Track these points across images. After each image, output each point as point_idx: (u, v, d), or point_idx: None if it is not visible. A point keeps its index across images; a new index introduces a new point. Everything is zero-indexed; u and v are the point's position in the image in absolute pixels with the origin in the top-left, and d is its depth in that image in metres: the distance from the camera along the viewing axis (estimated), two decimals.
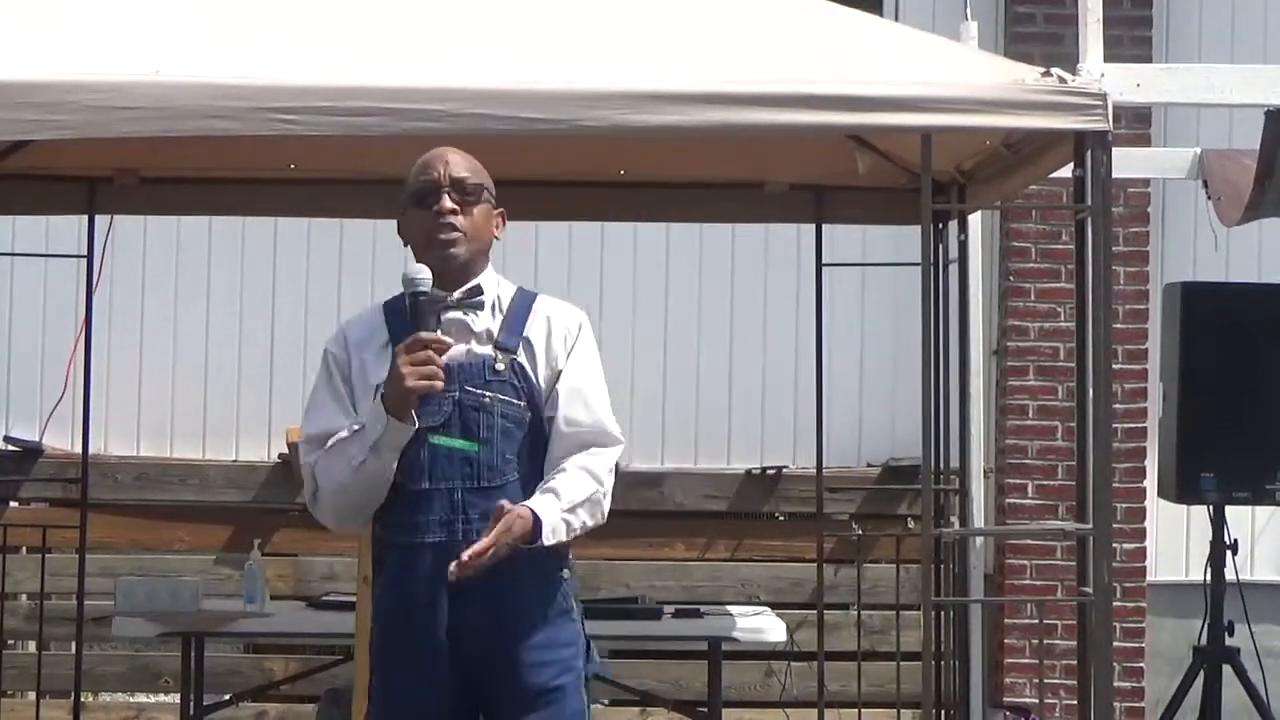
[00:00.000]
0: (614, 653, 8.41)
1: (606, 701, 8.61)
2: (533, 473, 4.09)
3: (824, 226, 6.85)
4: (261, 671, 8.26)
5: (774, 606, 7.38)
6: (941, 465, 6.61)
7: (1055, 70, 4.76)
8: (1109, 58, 5.91)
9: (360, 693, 5.09)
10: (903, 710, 7.52)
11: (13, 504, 8.42)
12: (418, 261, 4.12)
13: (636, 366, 8.70)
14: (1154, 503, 8.02)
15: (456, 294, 4.12)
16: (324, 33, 4.76)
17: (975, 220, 6.95)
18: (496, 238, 4.28)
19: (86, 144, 5.16)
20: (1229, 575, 6.83)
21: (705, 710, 6.75)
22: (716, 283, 8.73)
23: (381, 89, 4.50)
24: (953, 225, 6.61)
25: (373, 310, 4.23)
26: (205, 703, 6.77)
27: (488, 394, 4.06)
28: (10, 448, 8.48)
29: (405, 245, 4.22)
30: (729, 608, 7.05)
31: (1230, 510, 6.87)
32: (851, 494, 8.48)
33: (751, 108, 4.57)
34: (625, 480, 8.45)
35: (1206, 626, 6.84)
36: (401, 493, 4.05)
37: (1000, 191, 5.96)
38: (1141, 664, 8.47)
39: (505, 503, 3.94)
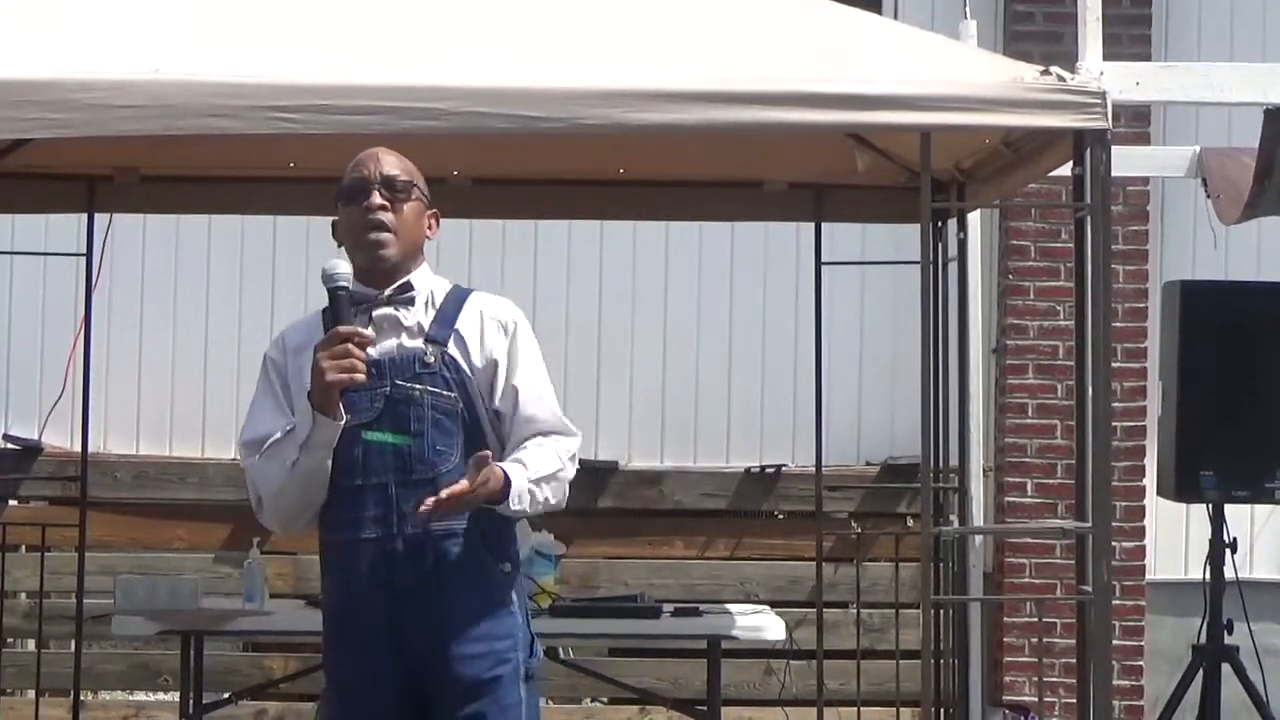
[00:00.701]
0: (613, 651, 8.43)
1: (606, 700, 8.62)
2: (461, 463, 4.06)
3: (823, 225, 6.85)
4: (261, 670, 8.26)
5: (773, 605, 7.37)
6: (941, 464, 6.61)
7: (1054, 69, 4.76)
8: (1108, 56, 5.91)
9: None
10: (902, 709, 7.52)
11: (12, 502, 8.42)
12: (351, 260, 4.13)
13: (636, 365, 8.70)
14: (1153, 501, 8.02)
15: (387, 291, 4.13)
16: (324, 31, 4.76)
17: (974, 219, 6.94)
18: (429, 237, 4.26)
19: (86, 142, 5.16)
20: (1228, 574, 6.82)
21: (704, 709, 6.75)
22: (716, 281, 8.73)
23: (381, 88, 4.50)
24: (952, 224, 6.61)
25: (311, 315, 4.23)
26: (204, 701, 6.76)
27: (417, 386, 4.07)
28: (9, 446, 8.48)
29: (340, 246, 4.23)
30: (728, 606, 7.05)
31: (1229, 508, 6.87)
32: (851, 492, 8.48)
33: (751, 106, 4.57)
34: (625, 479, 8.60)
35: (1205, 625, 6.84)
36: (338, 491, 4.07)
37: (999, 190, 5.96)
38: (1141, 662, 8.47)
39: (487, 452, 3.95)
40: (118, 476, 8.41)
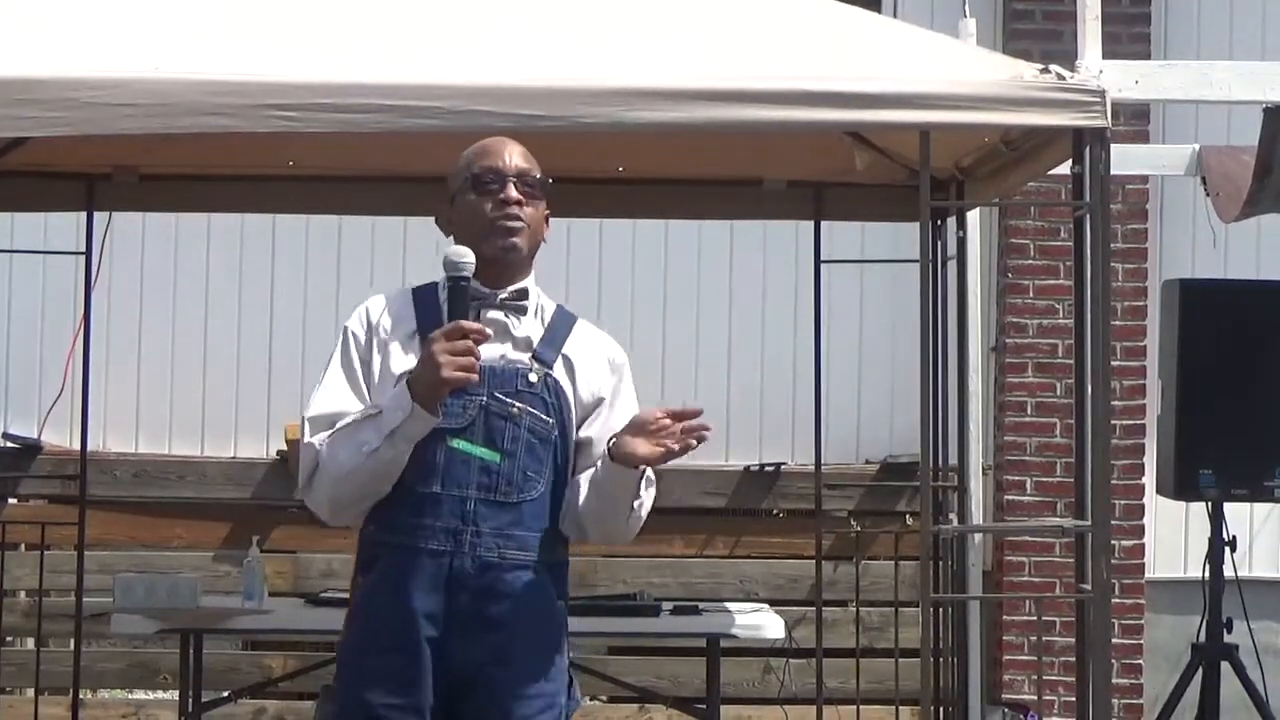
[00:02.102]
0: (612, 649, 8.43)
1: (605, 698, 8.62)
2: (553, 494, 3.90)
3: (822, 223, 6.85)
4: (260, 668, 8.26)
5: (772, 603, 7.38)
6: (940, 462, 6.61)
7: (1053, 67, 4.76)
8: (1107, 54, 5.91)
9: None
10: (901, 707, 7.52)
11: (11, 501, 8.42)
12: (478, 244, 3.88)
13: (635, 363, 8.67)
14: (1152, 500, 8.02)
15: (504, 293, 3.91)
16: (323, 30, 4.76)
17: (974, 217, 6.95)
18: (544, 239, 4.02)
19: (85, 141, 5.16)
20: (1227, 572, 6.82)
21: (704, 707, 6.75)
22: (715, 280, 8.73)
23: (380, 86, 4.49)
24: (951, 222, 6.61)
25: (400, 294, 3.99)
26: (204, 699, 6.76)
27: (517, 404, 3.85)
28: (9, 444, 8.48)
29: (449, 236, 3.99)
30: (727, 604, 7.05)
31: (1229, 507, 6.86)
32: (850, 491, 8.48)
33: (750, 104, 4.57)
34: None
35: (1205, 623, 6.83)
36: (407, 493, 3.82)
37: (999, 188, 5.96)
38: (1140, 661, 8.48)
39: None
40: (117, 475, 8.41)
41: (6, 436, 8.50)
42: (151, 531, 8.43)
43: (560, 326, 3.98)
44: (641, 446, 3.89)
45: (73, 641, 6.98)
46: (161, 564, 8.14)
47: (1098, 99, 4.67)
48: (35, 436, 8.48)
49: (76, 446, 7.09)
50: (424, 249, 8.39)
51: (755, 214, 7.13)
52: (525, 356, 3.91)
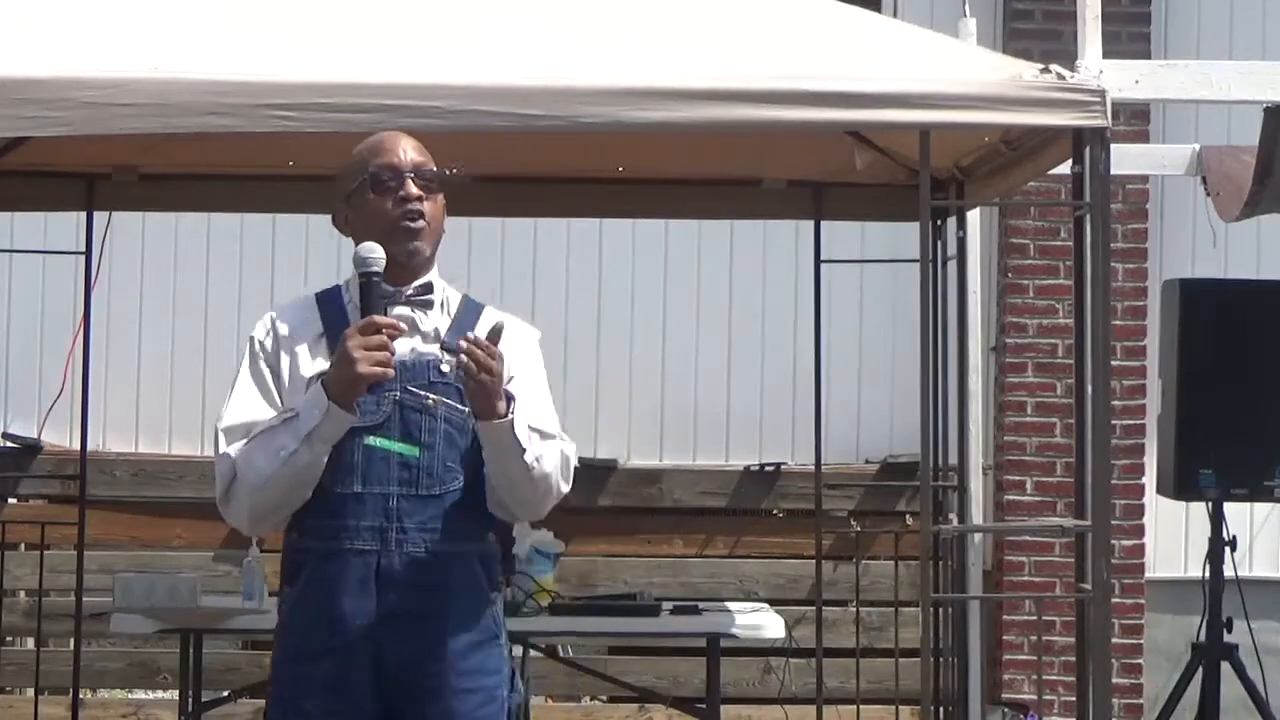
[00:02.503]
0: (612, 649, 8.43)
1: (605, 698, 8.62)
2: (476, 482, 3.84)
3: (822, 223, 6.85)
4: (260, 668, 8.24)
5: (772, 603, 7.38)
6: (940, 462, 6.61)
7: (1053, 67, 4.76)
8: (1107, 54, 5.91)
9: None
10: (901, 707, 7.52)
11: (11, 500, 8.42)
12: (382, 245, 3.84)
13: (635, 363, 8.70)
14: (1152, 499, 8.02)
15: (409, 288, 3.88)
16: (322, 29, 4.76)
17: (974, 217, 6.94)
18: (443, 230, 4.03)
19: (85, 141, 5.15)
20: (1227, 572, 6.82)
21: (704, 707, 6.75)
22: (715, 279, 8.73)
23: (380, 85, 4.49)
24: (951, 222, 6.61)
25: (304, 300, 3.97)
26: (204, 699, 6.76)
27: (431, 396, 3.81)
28: (9, 444, 8.48)
29: (349, 237, 3.94)
30: (727, 604, 7.05)
31: (1229, 507, 6.87)
32: (850, 490, 8.48)
33: (750, 104, 4.57)
34: (624, 477, 8.60)
35: (1205, 623, 6.84)
36: (328, 496, 3.77)
37: (999, 188, 5.96)
38: (1140, 660, 8.47)
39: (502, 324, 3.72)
40: (117, 475, 8.40)
41: (6, 436, 8.50)
42: (151, 531, 8.43)
43: (467, 315, 3.94)
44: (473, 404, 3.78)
45: (73, 641, 6.97)
46: (161, 564, 8.14)
47: (1098, 99, 4.67)
48: (35, 436, 8.48)
49: (76, 446, 7.09)
50: None
51: (755, 214, 7.13)
52: (435, 348, 3.87)
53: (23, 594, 8.23)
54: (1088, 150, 4.73)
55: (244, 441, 3.82)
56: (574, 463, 3.99)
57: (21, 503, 8.44)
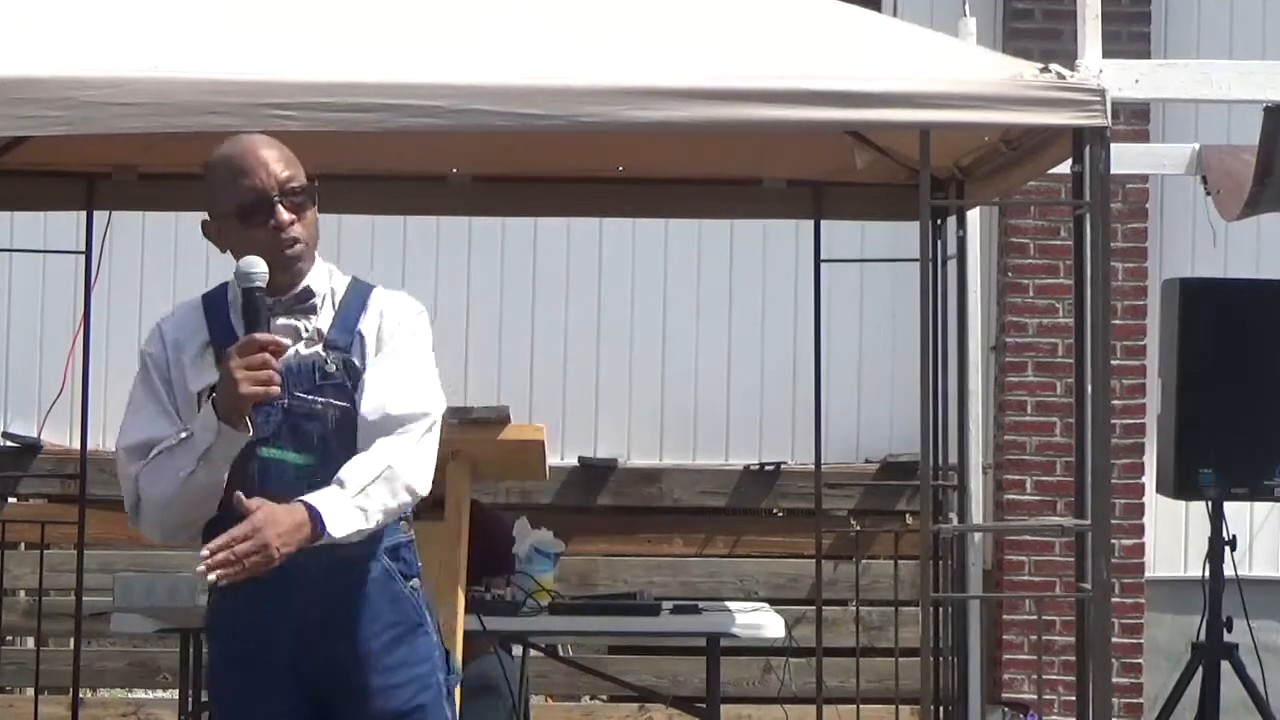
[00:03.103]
0: (612, 649, 8.42)
1: (605, 698, 8.62)
2: None
3: (822, 222, 6.84)
4: None
5: (772, 602, 7.37)
6: (940, 461, 6.61)
7: (1053, 66, 4.76)
8: (1107, 53, 5.91)
9: None
10: (901, 706, 7.52)
11: (11, 500, 8.42)
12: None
13: (635, 362, 8.70)
14: (1152, 499, 8.02)
15: (286, 298, 3.77)
16: (322, 28, 4.76)
17: (974, 216, 6.94)
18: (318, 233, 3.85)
19: (84, 140, 5.15)
20: (1227, 571, 6.82)
21: (704, 706, 6.74)
22: (715, 279, 8.73)
23: (380, 85, 4.49)
24: (951, 221, 6.60)
25: (189, 306, 3.89)
26: (204, 698, 6.75)
27: (320, 400, 3.71)
28: (9, 443, 8.48)
29: (222, 250, 3.84)
30: (727, 604, 7.04)
31: (1229, 506, 6.87)
32: (850, 490, 8.48)
33: (750, 103, 4.57)
34: (624, 476, 8.59)
35: (1205, 622, 6.84)
36: (233, 510, 3.60)
37: (999, 187, 5.96)
38: (1140, 660, 8.47)
39: (243, 499, 3.55)
40: (117, 474, 8.39)
41: (6, 435, 8.50)
42: None
43: (353, 305, 3.81)
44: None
45: (72, 641, 6.97)
46: (161, 563, 8.12)
47: (1098, 98, 4.67)
48: (35, 435, 8.48)
49: (76, 445, 7.08)
50: (423, 247, 8.44)
51: (755, 213, 7.13)
52: (319, 348, 3.77)
53: (23, 593, 8.23)
54: (1088, 150, 4.73)
55: (144, 462, 3.73)
56: (417, 428, 3.73)
57: (21, 502, 8.44)
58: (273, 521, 3.53)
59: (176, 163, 6.29)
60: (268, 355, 3.61)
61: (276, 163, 3.76)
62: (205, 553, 3.50)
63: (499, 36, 4.77)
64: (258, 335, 3.63)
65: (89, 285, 6.90)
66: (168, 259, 8.61)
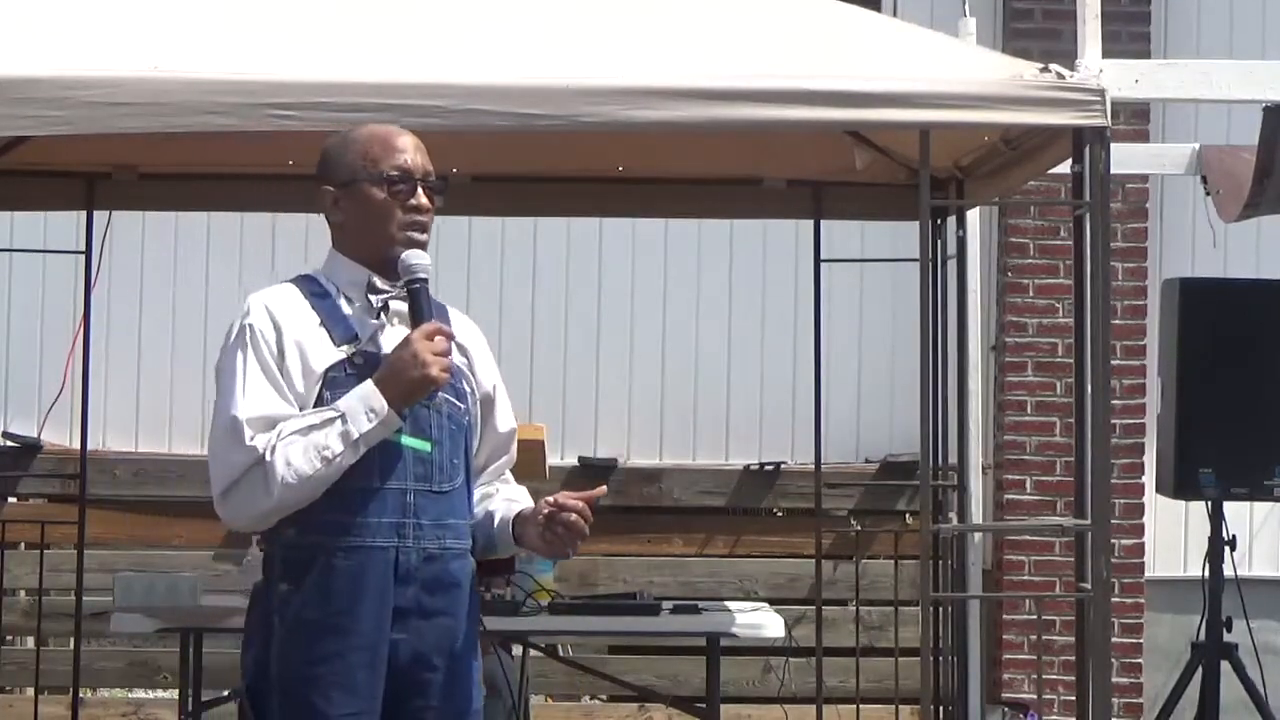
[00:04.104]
0: (612, 648, 8.42)
1: (605, 697, 8.62)
2: (468, 481, 3.86)
3: (822, 222, 6.85)
4: None
5: (772, 602, 7.37)
6: (940, 461, 6.61)
7: (1053, 66, 4.76)
8: (1107, 53, 5.92)
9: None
10: (901, 706, 7.52)
11: (11, 500, 8.42)
12: (362, 247, 3.80)
13: (635, 362, 8.70)
14: (1152, 499, 8.02)
15: (400, 288, 3.81)
16: (321, 28, 4.76)
17: (974, 216, 6.95)
18: None
19: (84, 140, 5.16)
20: (1227, 571, 6.82)
21: (704, 706, 6.74)
22: (715, 279, 8.73)
23: (380, 84, 4.49)
24: (951, 221, 6.61)
25: (285, 289, 3.84)
26: (204, 698, 6.76)
27: (438, 393, 3.76)
28: (9, 443, 8.48)
29: (334, 221, 3.85)
30: (727, 603, 7.04)
31: (1228, 506, 6.87)
32: (850, 490, 8.48)
33: (750, 103, 4.58)
34: (624, 476, 8.59)
35: (1204, 622, 6.84)
36: (342, 491, 3.68)
37: (999, 187, 5.96)
38: (1140, 660, 8.47)
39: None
40: (117, 474, 8.40)
41: (6, 435, 8.50)
42: (151, 530, 8.43)
43: (442, 315, 3.88)
44: (532, 535, 3.83)
45: (72, 640, 6.98)
46: (161, 563, 8.14)
47: (1098, 98, 4.67)
48: (35, 435, 8.48)
49: (76, 445, 7.09)
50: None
51: (755, 213, 7.13)
52: None
53: (23, 593, 8.23)
54: (1087, 149, 4.74)
55: (270, 435, 3.70)
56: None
57: (21, 502, 8.44)
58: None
59: (176, 162, 6.31)
60: (446, 343, 3.70)
61: (423, 153, 3.85)
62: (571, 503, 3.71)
63: (499, 36, 4.77)
64: (439, 324, 3.73)
65: (89, 285, 6.91)
66: (167, 259, 8.62)
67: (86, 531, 6.79)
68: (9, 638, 8.38)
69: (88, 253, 6.82)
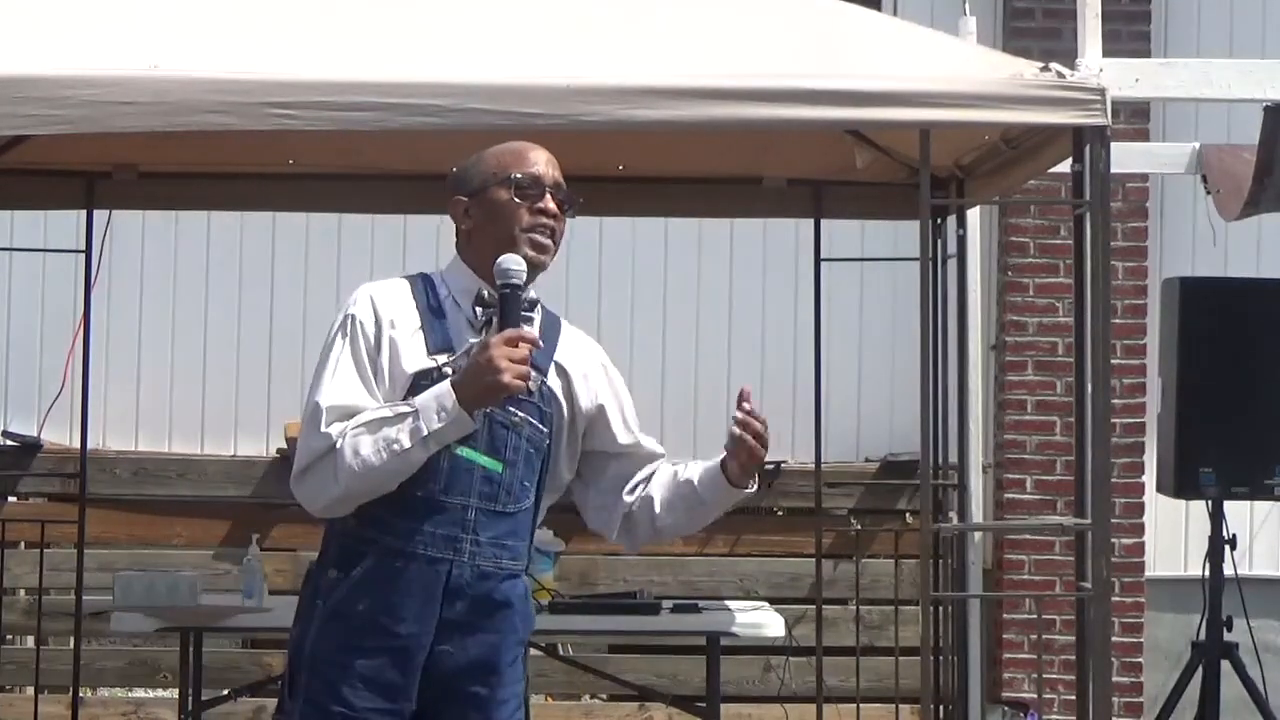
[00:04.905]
0: (612, 647, 8.43)
1: (605, 697, 8.62)
2: (536, 504, 3.89)
3: (822, 221, 6.85)
4: (260, 666, 8.26)
5: (772, 601, 7.38)
6: (940, 460, 6.61)
7: (1054, 65, 4.76)
8: (1107, 52, 5.92)
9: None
10: (901, 705, 7.52)
11: (11, 499, 8.42)
12: (485, 253, 3.85)
13: (635, 362, 8.68)
14: (1152, 498, 8.02)
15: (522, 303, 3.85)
16: (321, 27, 4.76)
17: (974, 215, 6.95)
18: None
19: (84, 139, 5.15)
20: (1227, 570, 6.82)
21: (704, 705, 6.75)
22: (715, 278, 8.73)
23: (379, 84, 4.49)
24: (951, 220, 6.61)
25: (396, 286, 3.93)
26: (204, 698, 6.76)
27: (519, 413, 3.81)
28: (9, 442, 8.48)
29: (463, 227, 3.94)
30: (727, 603, 7.05)
31: (1229, 505, 6.87)
32: (850, 489, 8.48)
33: (750, 103, 4.57)
34: None
35: (1205, 622, 6.84)
36: (407, 496, 3.74)
37: (999, 187, 5.96)
38: (1140, 659, 8.47)
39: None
40: (117, 473, 8.40)
41: (6, 434, 8.50)
42: (151, 529, 8.43)
43: (550, 332, 3.95)
44: (736, 466, 3.92)
45: (72, 640, 6.97)
46: (161, 562, 8.12)
47: (1098, 97, 4.67)
48: (35, 434, 8.48)
49: (76, 444, 7.09)
50: (423, 247, 8.43)
51: (755, 212, 7.13)
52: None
53: (22, 592, 8.23)
54: (1088, 149, 4.73)
55: (345, 424, 3.73)
56: None
57: (21, 501, 8.44)
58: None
59: (176, 162, 6.31)
60: (526, 351, 3.71)
61: (556, 167, 3.94)
62: (739, 414, 3.82)
63: (499, 36, 4.77)
64: (523, 330, 3.74)
65: (89, 285, 6.91)
66: (167, 258, 8.62)
67: (86, 531, 6.79)
68: (9, 637, 8.37)
69: (88, 252, 6.82)
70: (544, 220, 3.88)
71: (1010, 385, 8.53)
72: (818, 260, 6.86)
